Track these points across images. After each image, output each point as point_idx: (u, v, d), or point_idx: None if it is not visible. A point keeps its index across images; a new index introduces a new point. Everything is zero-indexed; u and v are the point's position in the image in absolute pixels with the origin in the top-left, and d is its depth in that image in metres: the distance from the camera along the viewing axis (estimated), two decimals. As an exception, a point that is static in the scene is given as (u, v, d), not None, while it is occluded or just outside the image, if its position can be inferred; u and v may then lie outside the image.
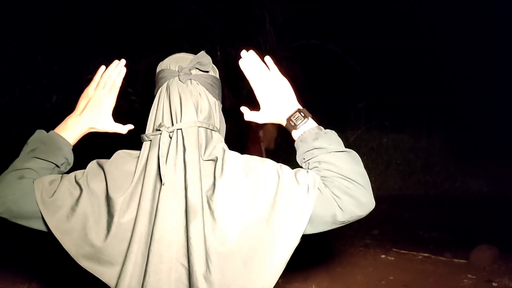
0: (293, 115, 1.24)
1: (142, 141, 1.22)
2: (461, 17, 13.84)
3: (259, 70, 1.30)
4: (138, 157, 1.21)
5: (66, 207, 1.14)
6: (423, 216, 8.33)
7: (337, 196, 1.12)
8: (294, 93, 1.29)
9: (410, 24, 14.00)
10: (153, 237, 1.07)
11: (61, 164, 1.31)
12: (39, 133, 1.31)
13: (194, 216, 1.06)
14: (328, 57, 12.51)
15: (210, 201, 1.11)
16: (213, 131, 1.25)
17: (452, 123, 12.68)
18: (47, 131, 1.34)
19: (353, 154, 1.20)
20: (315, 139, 1.19)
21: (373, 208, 1.18)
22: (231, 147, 1.28)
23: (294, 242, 1.10)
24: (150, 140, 1.20)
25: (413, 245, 6.24)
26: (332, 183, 1.13)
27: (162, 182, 1.10)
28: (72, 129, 1.34)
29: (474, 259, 5.55)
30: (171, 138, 1.16)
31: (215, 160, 1.17)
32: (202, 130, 1.21)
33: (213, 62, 1.36)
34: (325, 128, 1.23)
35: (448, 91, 13.75)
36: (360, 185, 1.15)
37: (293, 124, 1.24)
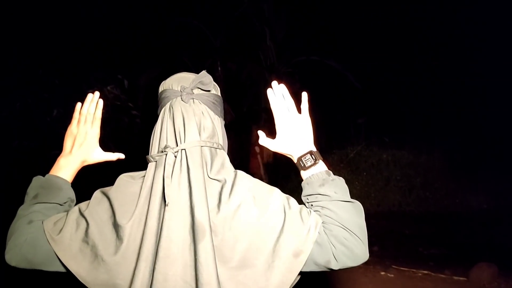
0: (304, 156, 1.26)
1: (148, 162, 1.23)
2: (460, 34, 13.94)
3: (284, 104, 1.33)
4: (142, 177, 1.22)
5: (77, 241, 1.15)
6: (423, 233, 8.31)
7: (333, 245, 1.13)
8: (312, 134, 1.32)
9: (410, 40, 14.10)
10: (158, 255, 1.07)
11: (64, 203, 1.33)
12: (36, 180, 1.34)
13: (202, 236, 1.07)
14: (328, 73, 12.58)
15: (211, 223, 1.11)
16: (217, 149, 1.26)
17: (452, 139, 12.70)
18: (45, 173, 1.37)
19: (357, 205, 1.21)
20: (321, 185, 1.21)
21: (366, 259, 1.19)
22: (232, 161, 1.29)
23: (290, 281, 1.11)
24: (155, 161, 1.21)
25: (413, 262, 6.22)
26: (331, 231, 1.14)
27: (166, 203, 1.10)
28: (66, 168, 1.38)
29: (474, 276, 5.53)
30: (175, 157, 1.18)
31: (222, 182, 1.17)
32: (206, 149, 1.22)
33: (214, 77, 1.37)
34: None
35: (448, 107, 13.80)
36: (357, 236, 1.15)
37: (302, 165, 1.26)
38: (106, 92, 9.59)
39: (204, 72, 1.31)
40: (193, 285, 1.07)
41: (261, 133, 1.37)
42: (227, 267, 1.09)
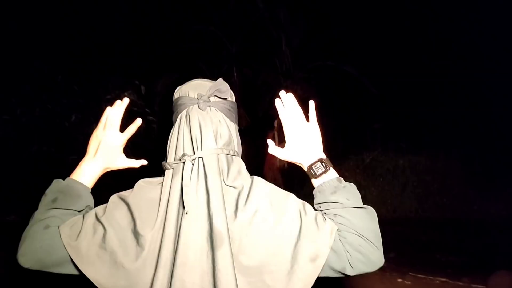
0: (315, 164, 1.26)
1: (164, 169, 1.23)
2: (478, 39, 13.80)
3: (293, 113, 1.33)
4: (160, 183, 1.23)
5: (95, 247, 1.14)
6: (440, 239, 8.21)
7: (348, 253, 1.13)
8: (321, 142, 1.31)
9: (426, 45, 14.01)
10: (175, 262, 1.07)
11: (82, 210, 1.31)
12: (57, 183, 1.30)
13: (220, 243, 1.07)
14: (344, 78, 12.55)
15: (229, 230, 1.11)
16: (233, 156, 1.25)
17: (470, 144, 12.54)
18: (63, 178, 1.33)
19: (370, 210, 1.20)
20: (333, 193, 1.20)
21: (382, 265, 1.18)
22: (247, 166, 1.29)
23: (308, 286, 1.10)
24: (173, 168, 1.21)
25: (430, 269, 6.15)
26: (345, 239, 1.14)
27: (185, 211, 1.11)
28: (88, 174, 1.34)
29: (493, 285, 5.44)
30: (193, 165, 1.18)
31: (239, 189, 1.18)
32: (222, 156, 1.22)
33: (230, 83, 1.37)
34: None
35: (466, 112, 13.64)
36: (372, 242, 1.15)
37: (313, 173, 1.25)
38: (124, 98, 9.66)
39: (221, 80, 1.31)
40: None
41: (270, 142, 1.36)
42: (245, 274, 1.09)
